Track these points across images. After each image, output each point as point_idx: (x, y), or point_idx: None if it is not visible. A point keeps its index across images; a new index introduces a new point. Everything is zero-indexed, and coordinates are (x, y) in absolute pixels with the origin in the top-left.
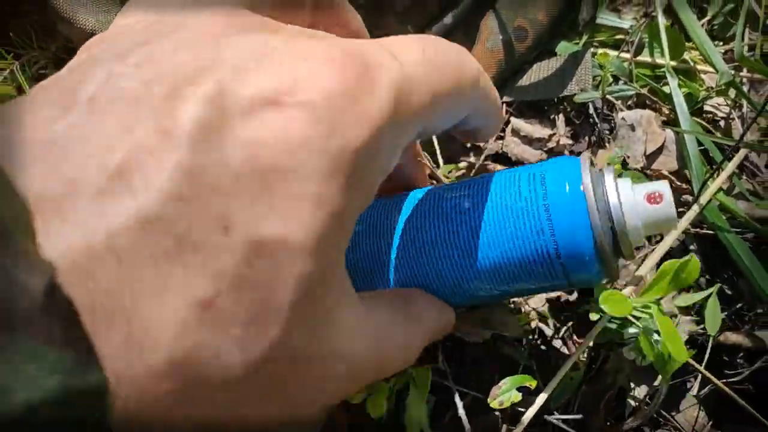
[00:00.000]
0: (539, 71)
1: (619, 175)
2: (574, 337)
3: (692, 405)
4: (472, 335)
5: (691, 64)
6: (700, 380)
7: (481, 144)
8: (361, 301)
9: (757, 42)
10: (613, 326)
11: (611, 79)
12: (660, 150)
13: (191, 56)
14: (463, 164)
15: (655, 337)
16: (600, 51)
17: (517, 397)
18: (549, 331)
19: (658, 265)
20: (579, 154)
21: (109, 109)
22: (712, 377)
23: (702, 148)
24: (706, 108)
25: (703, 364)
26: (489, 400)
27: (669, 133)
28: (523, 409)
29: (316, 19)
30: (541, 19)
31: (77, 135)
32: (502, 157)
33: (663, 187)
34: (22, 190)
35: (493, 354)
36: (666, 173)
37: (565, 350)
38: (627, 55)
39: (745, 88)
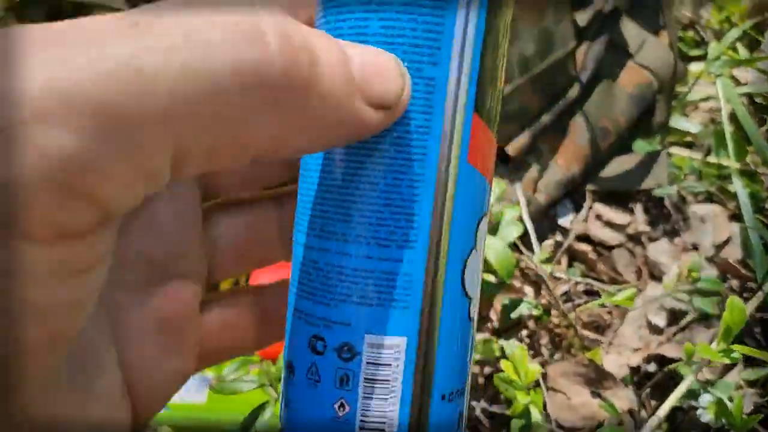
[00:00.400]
0: (620, 165)
1: None
2: (652, 402)
3: None
4: (574, 393)
5: (752, 167)
6: None
7: (568, 226)
8: None
9: None
10: (689, 393)
11: (683, 176)
12: (727, 241)
13: None
14: (549, 242)
15: (729, 404)
16: (674, 152)
17: None
18: (632, 396)
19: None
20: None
21: None
22: None
23: (765, 241)
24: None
25: None
26: None
27: (734, 226)
28: None
29: None
30: (621, 120)
31: None
32: (585, 238)
33: None
34: None
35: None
36: (732, 263)
37: (644, 413)
38: (696, 155)
39: None
